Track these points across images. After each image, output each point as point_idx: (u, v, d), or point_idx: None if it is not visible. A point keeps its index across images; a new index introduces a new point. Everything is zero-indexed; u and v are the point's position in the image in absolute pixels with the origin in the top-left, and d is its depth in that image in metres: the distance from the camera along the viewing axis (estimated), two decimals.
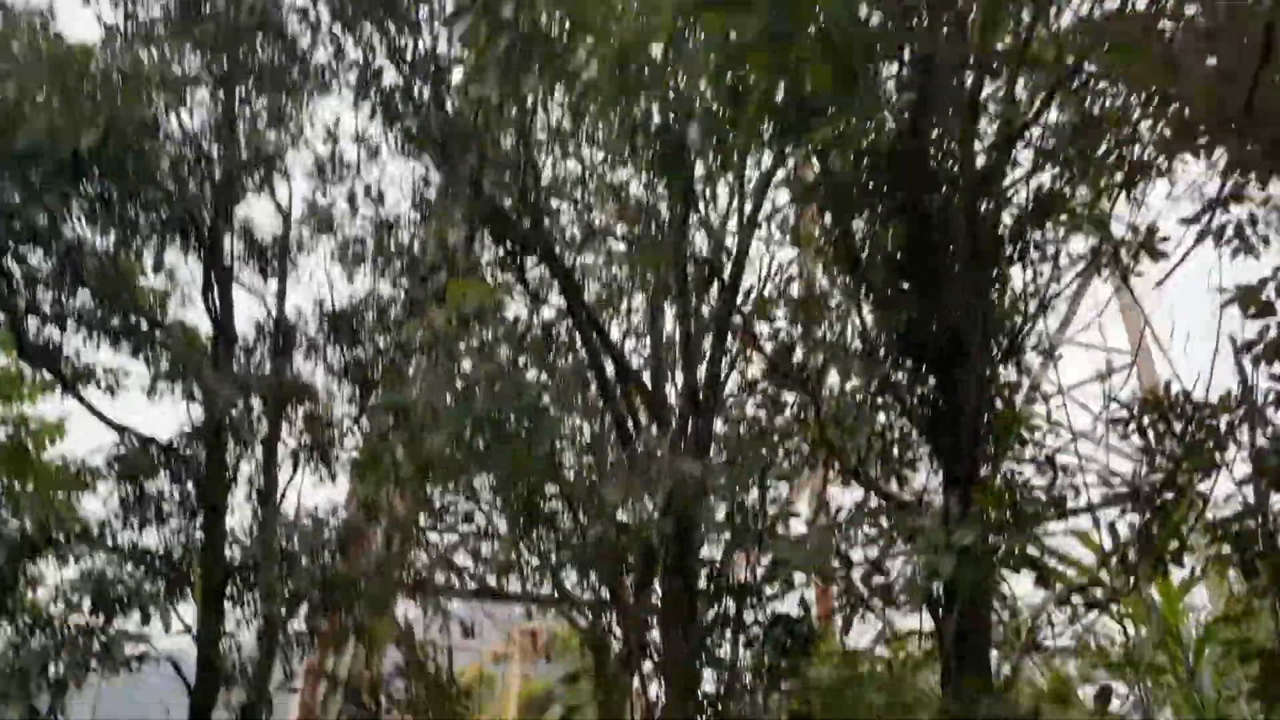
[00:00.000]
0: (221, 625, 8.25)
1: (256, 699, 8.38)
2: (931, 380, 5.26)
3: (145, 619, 7.19)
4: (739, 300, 7.50)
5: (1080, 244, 6.79)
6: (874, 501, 5.65)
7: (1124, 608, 8.98)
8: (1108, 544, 7.28)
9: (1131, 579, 5.49)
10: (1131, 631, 10.29)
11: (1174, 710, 9.70)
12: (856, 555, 6.00)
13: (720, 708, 6.30)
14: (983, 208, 5.61)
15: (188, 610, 8.60)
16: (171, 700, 9.16)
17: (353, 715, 9.52)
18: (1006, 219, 5.90)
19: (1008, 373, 5.98)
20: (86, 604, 6.72)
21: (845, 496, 7.79)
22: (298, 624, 9.43)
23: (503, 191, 6.99)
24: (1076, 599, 8.05)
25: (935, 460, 5.35)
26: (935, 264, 5.27)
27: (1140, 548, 6.15)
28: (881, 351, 5.38)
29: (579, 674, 7.49)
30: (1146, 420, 6.46)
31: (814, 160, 6.87)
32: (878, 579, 4.92)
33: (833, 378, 6.02)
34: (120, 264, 8.79)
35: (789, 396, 6.33)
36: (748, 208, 7.18)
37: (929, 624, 6.18)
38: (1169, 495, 6.29)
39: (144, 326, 8.90)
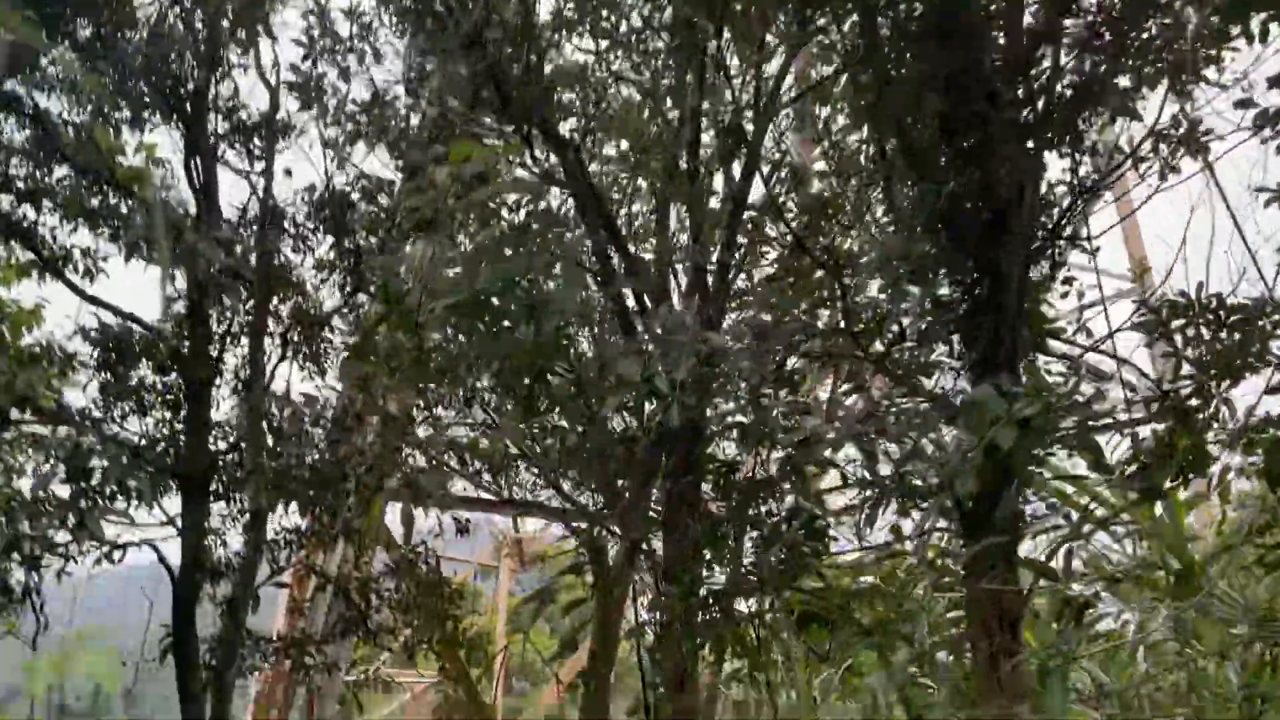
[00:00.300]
0: (206, 515, 7.97)
1: (242, 593, 8.15)
2: (970, 262, 4.92)
3: (126, 501, 6.88)
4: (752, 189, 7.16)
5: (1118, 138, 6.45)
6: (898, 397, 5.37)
7: (1130, 523, 8.84)
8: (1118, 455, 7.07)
9: (1149, 489, 5.23)
10: (1135, 548, 10.20)
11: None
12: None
13: (726, 605, 6.10)
14: (1026, 87, 5.24)
15: (172, 506, 8.35)
16: (155, 594, 8.96)
17: (341, 613, 9.38)
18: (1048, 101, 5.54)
19: (1041, 268, 5.67)
20: (60, 479, 6.35)
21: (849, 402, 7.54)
22: (285, 520, 9.22)
23: (506, 66, 6.55)
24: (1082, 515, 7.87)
25: (969, 350, 5.04)
26: (979, 138, 4.89)
27: (1161, 456, 5.94)
28: (918, 229, 5.02)
29: (581, 567, 7.28)
30: (1175, 324, 6.20)
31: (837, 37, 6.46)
32: (915, 464, 4.63)
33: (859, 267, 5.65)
34: (99, 138, 8.30)
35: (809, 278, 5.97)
36: (765, 88, 6.78)
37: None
38: (1195, 402, 6.06)
39: (124, 209, 8.45)
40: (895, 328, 5.11)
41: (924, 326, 5.05)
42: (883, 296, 5.17)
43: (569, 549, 9.17)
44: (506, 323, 5.46)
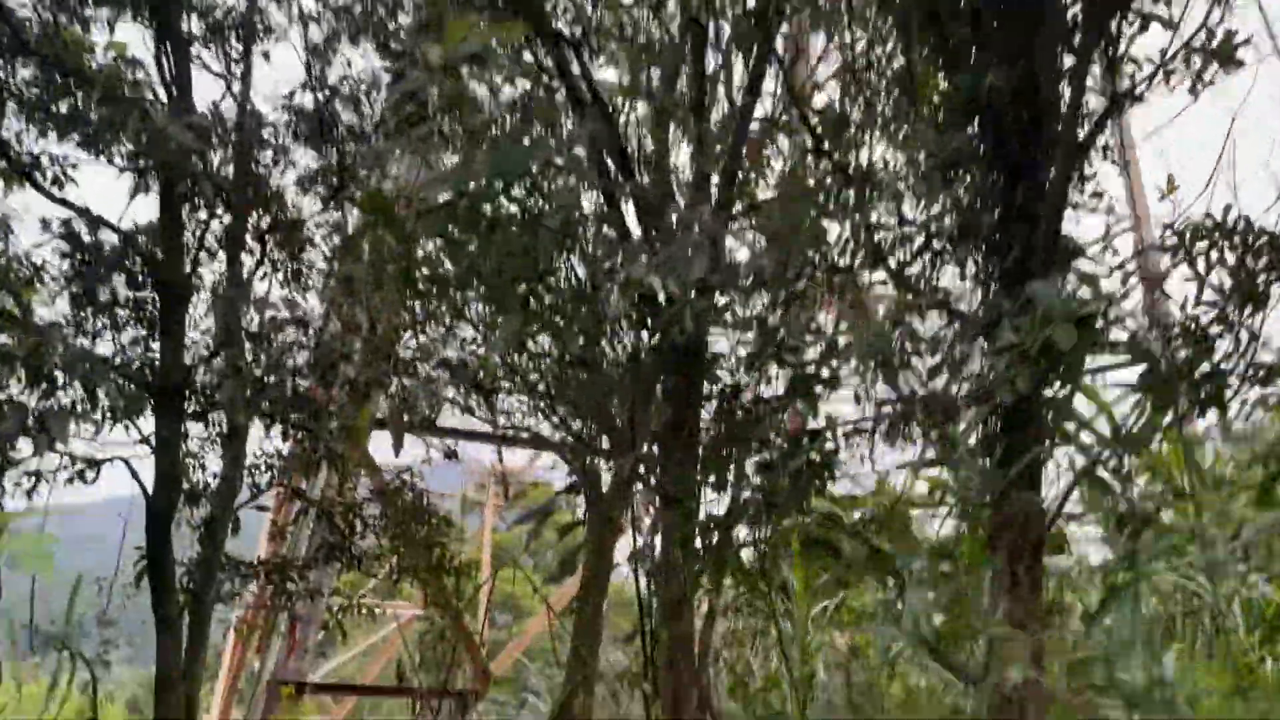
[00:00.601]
0: (181, 431, 7.62)
1: (221, 514, 7.86)
2: (1004, 164, 4.58)
3: (100, 416, 6.53)
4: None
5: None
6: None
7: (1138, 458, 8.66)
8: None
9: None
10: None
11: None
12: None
13: (727, 530, 5.85)
14: None
15: (149, 428, 8.00)
16: (130, 515, 8.67)
17: (325, 538, 9.13)
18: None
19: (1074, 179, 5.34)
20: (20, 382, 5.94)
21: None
22: (266, 444, 8.92)
23: None
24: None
25: (996, 261, 4.72)
26: (1021, 31, 4.53)
27: (1180, 386, 5.70)
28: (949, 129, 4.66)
29: (577, 488, 7.03)
30: (1198, 249, 5.93)
31: None
32: (943, 379, 4.34)
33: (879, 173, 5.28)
34: (66, 35, 7.80)
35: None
36: None
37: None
38: (1216, 330, 5.82)
39: (94, 114, 7.95)
40: (921, 235, 4.79)
41: (954, 233, 4.72)
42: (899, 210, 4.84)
43: (558, 480, 8.92)
44: (504, 222, 5.11)
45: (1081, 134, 5.47)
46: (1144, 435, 4.41)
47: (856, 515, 7.93)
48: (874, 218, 5.14)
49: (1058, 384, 4.89)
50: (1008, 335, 3.66)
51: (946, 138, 4.43)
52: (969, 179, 4.68)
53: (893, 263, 5.04)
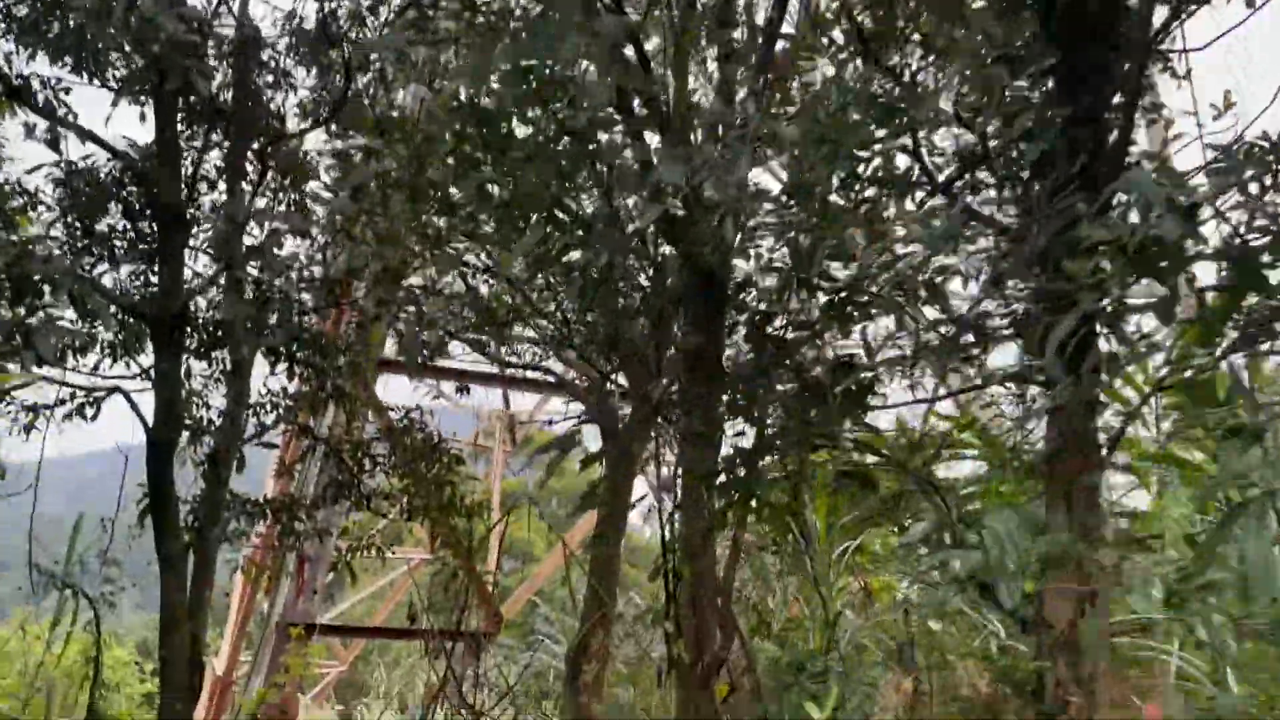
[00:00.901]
0: (180, 361, 7.31)
1: (225, 450, 7.58)
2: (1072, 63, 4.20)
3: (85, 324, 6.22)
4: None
5: None
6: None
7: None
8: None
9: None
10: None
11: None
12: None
13: (752, 464, 5.58)
14: None
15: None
16: (132, 452, 8.43)
17: (333, 476, 8.88)
18: None
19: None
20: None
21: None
22: (273, 382, 8.65)
23: None
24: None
25: (1056, 170, 4.37)
26: None
27: (1226, 311, 5.39)
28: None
29: (595, 421, 6.75)
30: (1249, 173, 5.58)
31: None
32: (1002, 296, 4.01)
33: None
34: None
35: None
36: None
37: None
38: (1268, 259, 5.49)
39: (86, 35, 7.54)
40: (977, 141, 4.42)
41: (1014, 138, 4.35)
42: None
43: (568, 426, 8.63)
44: (517, 142, 4.77)
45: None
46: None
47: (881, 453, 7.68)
48: (921, 134, 4.80)
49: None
50: (1099, 232, 3.33)
51: (1011, 27, 4.06)
52: (1030, 80, 4.31)
53: (941, 177, 4.70)
